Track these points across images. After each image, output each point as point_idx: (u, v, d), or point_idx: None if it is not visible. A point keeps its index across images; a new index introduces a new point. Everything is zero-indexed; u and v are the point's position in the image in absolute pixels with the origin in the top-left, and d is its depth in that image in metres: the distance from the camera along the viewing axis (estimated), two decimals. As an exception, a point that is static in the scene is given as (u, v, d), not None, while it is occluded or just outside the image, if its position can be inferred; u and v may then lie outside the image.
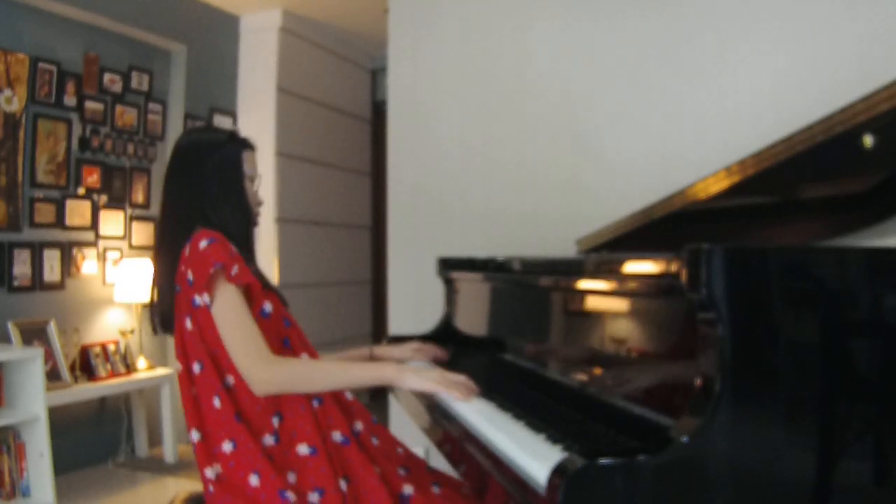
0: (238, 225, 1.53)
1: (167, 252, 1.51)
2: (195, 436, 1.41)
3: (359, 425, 1.49)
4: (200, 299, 1.40)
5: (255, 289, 1.45)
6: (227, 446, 1.38)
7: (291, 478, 1.37)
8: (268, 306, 1.48)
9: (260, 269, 1.56)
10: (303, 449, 1.39)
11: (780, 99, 2.31)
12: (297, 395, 1.43)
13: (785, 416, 1.05)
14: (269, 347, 1.39)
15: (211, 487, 1.39)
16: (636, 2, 2.69)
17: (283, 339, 1.51)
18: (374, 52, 5.14)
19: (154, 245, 1.60)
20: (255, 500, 1.34)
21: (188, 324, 1.44)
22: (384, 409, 3.12)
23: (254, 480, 1.35)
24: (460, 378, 1.48)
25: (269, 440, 1.39)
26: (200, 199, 1.52)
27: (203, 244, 1.41)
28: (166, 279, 1.50)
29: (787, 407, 1.05)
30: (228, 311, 1.38)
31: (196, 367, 1.42)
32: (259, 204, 1.62)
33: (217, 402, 1.40)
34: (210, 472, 1.38)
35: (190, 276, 1.41)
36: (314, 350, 1.58)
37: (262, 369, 1.35)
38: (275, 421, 1.41)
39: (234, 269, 1.40)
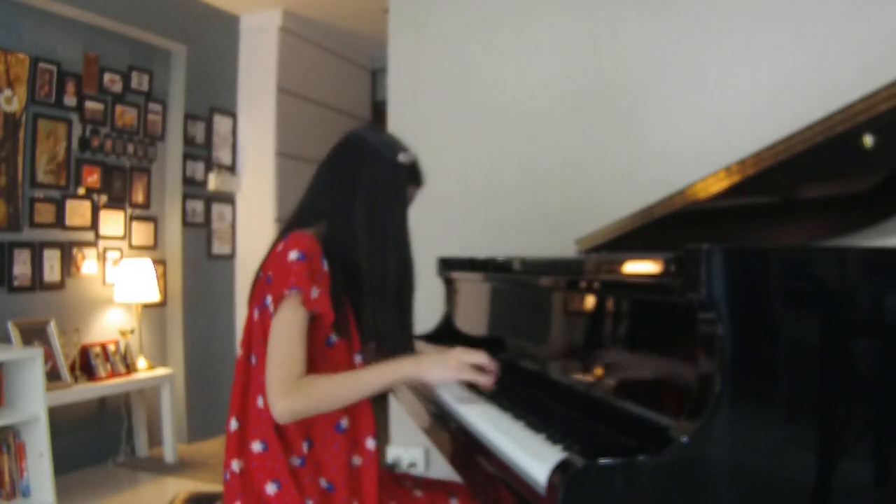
0: (385, 267, 1.40)
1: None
2: (234, 425, 1.38)
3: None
4: (269, 300, 1.35)
5: (327, 320, 1.36)
6: (257, 446, 1.36)
7: (309, 503, 1.34)
8: (334, 338, 1.41)
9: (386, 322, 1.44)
10: (322, 483, 1.37)
11: (780, 99, 2.31)
12: (336, 430, 1.39)
13: (785, 416, 1.05)
14: (303, 374, 1.31)
15: (229, 476, 1.37)
16: (636, 3, 2.69)
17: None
18: (374, 52, 5.14)
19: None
20: None
21: (256, 314, 1.40)
22: (384, 410, 3.12)
23: (271, 489, 1.32)
24: (480, 357, 1.42)
25: (295, 461, 1.36)
26: (340, 203, 1.42)
27: (292, 256, 1.33)
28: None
29: (787, 407, 1.05)
30: (284, 329, 1.32)
31: (253, 359, 1.40)
32: None
33: (260, 402, 1.37)
34: (235, 465, 1.36)
35: (270, 275, 1.35)
36: None
37: (281, 398, 1.29)
38: (304, 446, 1.37)
39: (315, 293, 1.33)
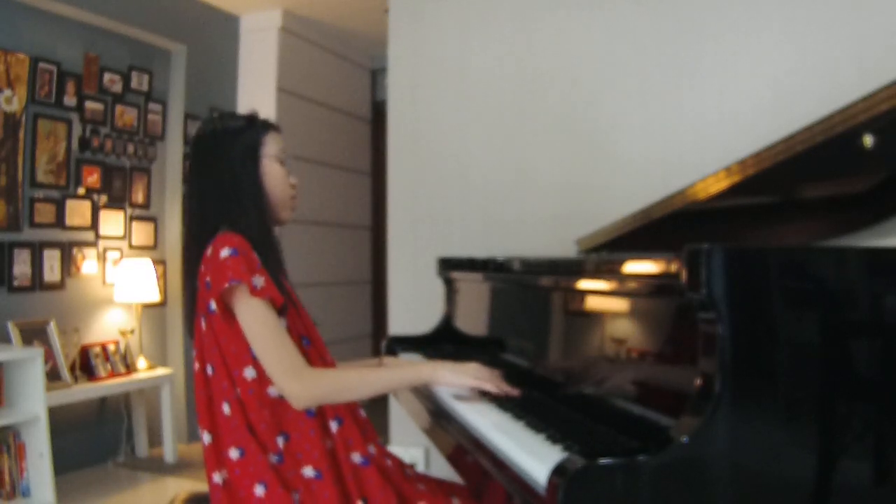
0: (255, 225, 1.42)
1: (192, 255, 1.44)
2: (206, 438, 1.38)
3: (371, 448, 1.45)
4: (213, 305, 1.36)
5: (276, 304, 1.37)
6: (234, 453, 1.35)
7: (296, 497, 1.33)
8: (283, 323, 1.41)
9: (283, 278, 1.48)
10: (308, 471, 1.35)
11: (780, 99, 2.31)
12: (307, 416, 1.38)
13: (785, 416, 1.05)
14: (301, 358, 1.34)
15: (217, 493, 1.35)
16: (637, 2, 2.69)
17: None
18: (374, 52, 5.14)
19: (182, 246, 1.50)
20: None
21: (203, 324, 1.40)
22: (384, 410, 3.12)
23: (259, 490, 1.32)
24: (497, 375, 1.46)
25: (273, 459, 1.36)
26: (222, 197, 1.43)
27: (224, 254, 1.33)
28: (192, 283, 1.44)
29: (787, 407, 1.05)
30: (258, 326, 1.33)
31: (209, 370, 1.40)
32: (291, 189, 1.55)
33: (227, 409, 1.37)
34: (217, 477, 1.35)
35: (208, 279, 1.35)
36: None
37: (296, 384, 1.31)
38: (280, 441, 1.36)
39: (259, 282, 1.33)
